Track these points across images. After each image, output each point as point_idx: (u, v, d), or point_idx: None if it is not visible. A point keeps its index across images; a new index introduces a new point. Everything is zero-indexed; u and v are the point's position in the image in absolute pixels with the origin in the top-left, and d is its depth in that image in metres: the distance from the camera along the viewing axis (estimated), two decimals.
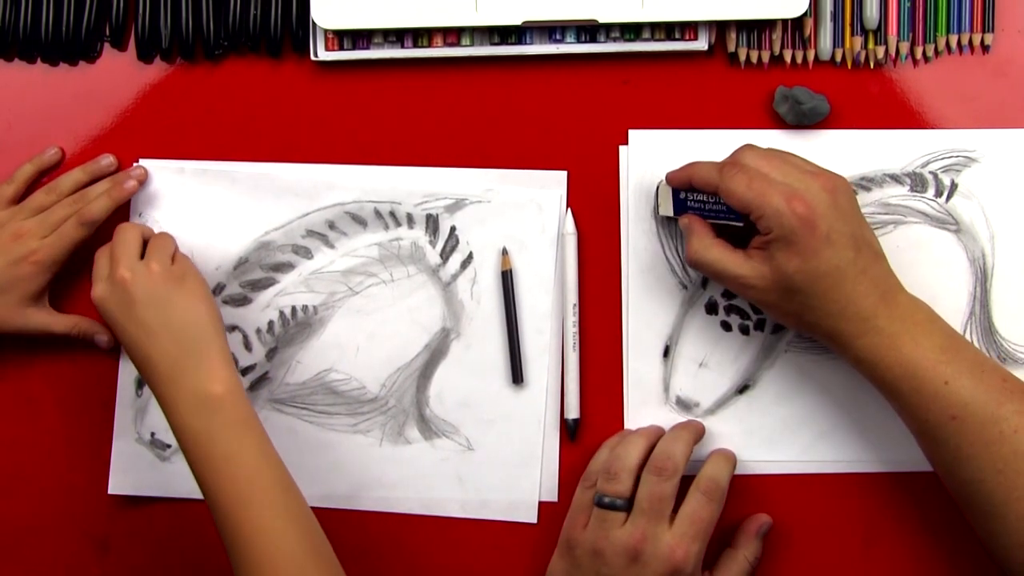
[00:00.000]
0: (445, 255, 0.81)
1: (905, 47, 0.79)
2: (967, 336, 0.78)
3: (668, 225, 0.80)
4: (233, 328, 0.81)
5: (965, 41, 0.79)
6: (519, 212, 0.80)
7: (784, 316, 0.72)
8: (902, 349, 0.69)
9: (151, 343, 0.71)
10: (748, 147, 0.72)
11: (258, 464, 0.70)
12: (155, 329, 0.72)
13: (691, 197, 0.75)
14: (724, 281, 0.73)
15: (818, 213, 0.68)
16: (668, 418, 0.80)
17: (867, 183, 0.79)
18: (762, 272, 0.70)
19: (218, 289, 0.81)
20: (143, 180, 0.80)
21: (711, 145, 0.79)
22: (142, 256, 0.75)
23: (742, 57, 0.79)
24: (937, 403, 0.68)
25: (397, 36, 0.80)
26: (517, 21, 0.78)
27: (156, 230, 0.80)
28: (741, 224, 0.73)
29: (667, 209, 0.77)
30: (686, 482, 0.74)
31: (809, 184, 0.69)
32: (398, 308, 0.81)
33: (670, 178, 0.76)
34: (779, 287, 0.70)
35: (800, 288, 0.69)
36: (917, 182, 0.79)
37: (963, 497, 0.70)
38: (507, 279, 0.80)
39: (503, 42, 0.80)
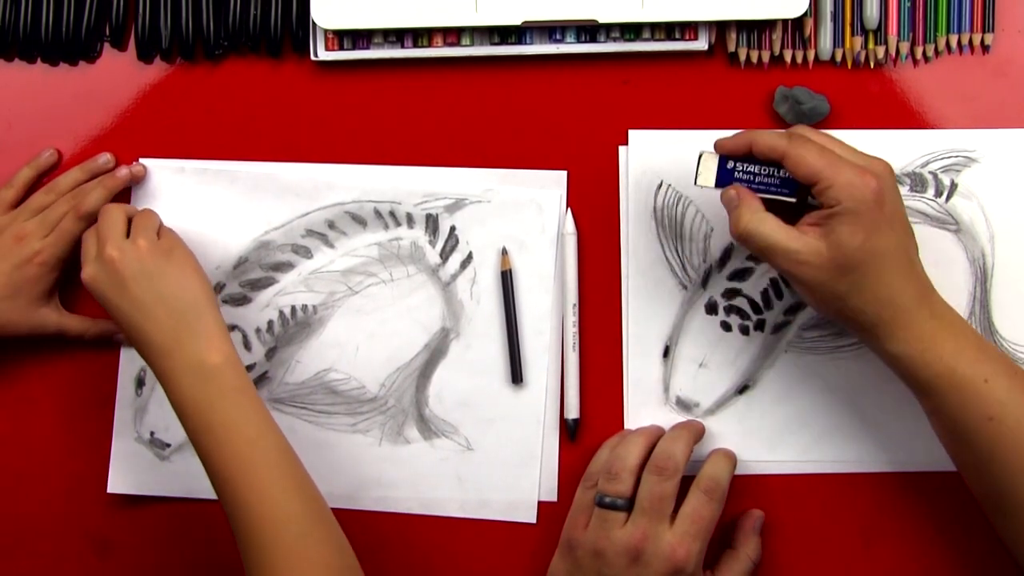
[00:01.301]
0: (445, 255, 0.81)
1: (905, 47, 0.79)
2: None
3: (668, 225, 0.80)
4: (233, 327, 0.81)
5: (965, 41, 0.79)
6: (519, 212, 0.80)
7: (828, 299, 0.69)
8: (944, 345, 0.68)
9: (145, 318, 0.71)
10: (806, 127, 0.71)
11: (258, 430, 0.70)
12: (148, 304, 0.72)
13: (740, 168, 0.72)
14: (774, 256, 0.69)
15: (886, 190, 0.67)
16: (668, 418, 0.80)
17: None
18: (818, 248, 0.67)
19: (218, 288, 0.81)
20: (139, 175, 0.80)
21: (711, 146, 0.79)
22: (128, 235, 0.75)
23: (742, 57, 0.79)
24: (976, 402, 0.67)
25: (397, 36, 0.80)
26: (517, 21, 0.78)
27: None
28: (794, 199, 0.71)
29: (708, 179, 0.73)
30: (686, 482, 0.74)
31: (874, 163, 0.68)
32: (398, 308, 0.81)
33: (721, 145, 0.72)
34: (834, 264, 0.67)
35: (857, 265, 0.67)
36: (917, 182, 0.79)
37: (991, 500, 0.69)
38: (507, 279, 0.80)
39: (503, 42, 0.80)
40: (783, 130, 0.71)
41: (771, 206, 0.71)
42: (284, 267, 0.81)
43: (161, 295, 0.72)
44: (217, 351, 0.71)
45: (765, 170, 0.71)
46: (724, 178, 0.72)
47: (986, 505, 0.70)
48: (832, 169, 0.67)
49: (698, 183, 0.73)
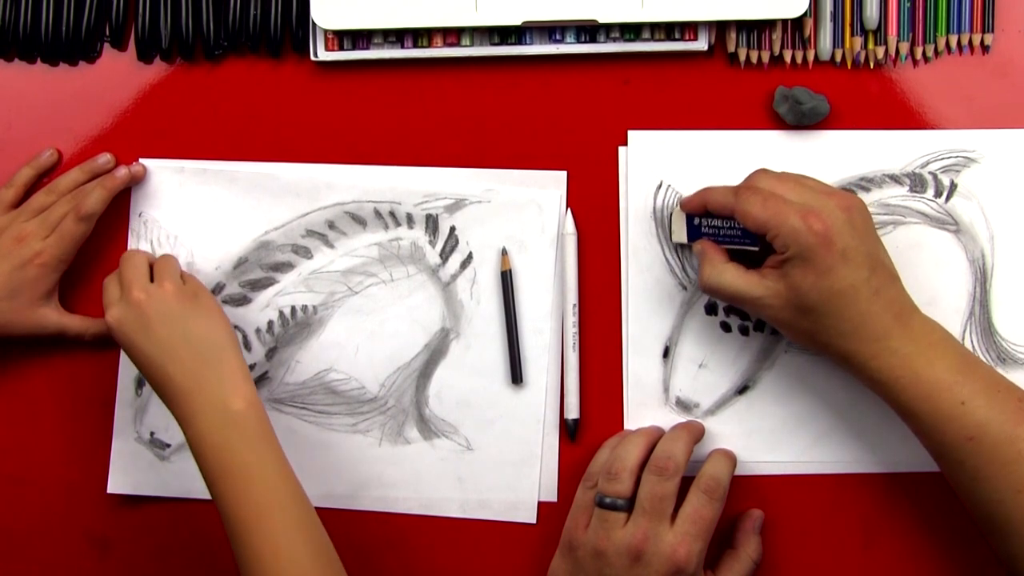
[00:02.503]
0: (445, 255, 0.81)
1: (905, 47, 0.79)
2: (967, 337, 0.78)
3: (668, 226, 0.80)
4: (233, 328, 0.80)
5: (965, 41, 0.79)
6: (519, 212, 0.80)
7: (799, 335, 0.72)
8: (917, 370, 0.69)
9: (170, 359, 0.71)
10: (762, 171, 0.73)
11: (276, 479, 0.70)
12: (174, 346, 0.72)
13: (705, 223, 0.75)
14: (740, 303, 0.73)
15: (834, 230, 0.68)
16: (668, 419, 0.80)
17: (867, 184, 0.79)
18: (776, 290, 0.70)
19: (218, 289, 0.81)
20: (139, 175, 0.80)
21: (710, 146, 0.79)
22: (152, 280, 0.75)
23: (742, 57, 0.79)
24: (953, 424, 0.68)
25: (397, 36, 0.80)
26: (517, 21, 0.78)
27: (155, 229, 0.81)
28: (756, 248, 0.73)
29: (680, 236, 0.77)
30: (686, 483, 0.74)
31: (825, 203, 0.69)
32: (398, 308, 0.81)
33: (684, 204, 0.76)
34: (793, 305, 0.70)
35: (814, 306, 0.69)
36: (916, 182, 0.79)
37: (982, 518, 0.70)
38: (507, 279, 0.80)
39: (503, 42, 0.80)
40: (734, 185, 0.73)
41: (741, 253, 0.74)
42: (284, 267, 0.81)
43: (187, 337, 0.72)
44: (241, 396, 0.71)
45: (726, 223, 0.74)
46: (693, 233, 0.76)
47: (978, 522, 0.70)
48: (777, 219, 0.69)
49: (673, 240, 0.78)
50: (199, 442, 0.70)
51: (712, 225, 0.75)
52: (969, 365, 0.70)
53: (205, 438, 0.70)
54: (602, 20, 0.78)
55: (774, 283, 0.70)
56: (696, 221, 0.76)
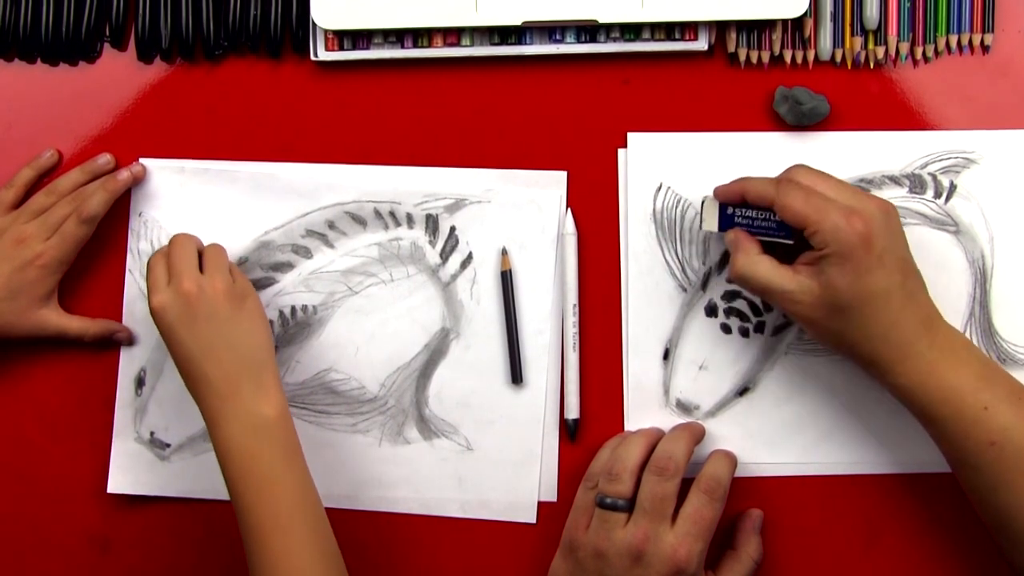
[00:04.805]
0: (445, 255, 0.81)
1: (905, 47, 0.79)
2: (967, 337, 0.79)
3: (667, 228, 0.80)
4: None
5: (965, 41, 0.79)
6: (519, 212, 0.80)
7: (826, 335, 0.71)
8: (942, 375, 0.69)
9: (210, 360, 0.71)
10: (801, 166, 0.72)
11: (299, 492, 0.71)
12: (216, 346, 0.71)
13: (739, 213, 0.74)
14: (770, 296, 0.72)
15: (875, 232, 0.68)
16: (668, 421, 0.80)
17: (866, 185, 0.79)
18: (810, 288, 0.70)
19: None
20: (140, 176, 0.80)
21: (710, 148, 0.79)
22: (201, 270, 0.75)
23: (742, 57, 0.79)
24: (976, 429, 0.68)
25: (397, 36, 0.80)
26: (517, 21, 0.78)
27: (155, 229, 0.81)
28: (791, 241, 0.73)
29: (712, 224, 0.76)
30: (687, 484, 0.74)
31: (866, 204, 0.69)
32: (398, 308, 0.81)
33: (719, 192, 0.75)
34: (826, 304, 0.69)
35: (847, 306, 0.69)
36: (916, 183, 0.79)
37: (1000, 525, 0.70)
38: (507, 279, 0.80)
39: (503, 42, 0.80)
40: (774, 177, 0.72)
41: (771, 246, 0.73)
42: (284, 267, 0.81)
43: (230, 340, 0.72)
44: (274, 405, 0.71)
45: (762, 214, 0.74)
46: (725, 222, 0.75)
47: (994, 531, 0.70)
48: (819, 214, 0.68)
49: (703, 228, 0.76)
50: (226, 446, 0.70)
51: (746, 216, 0.74)
52: (992, 372, 0.70)
53: (233, 443, 0.70)
54: (602, 20, 0.78)
55: (808, 279, 0.70)
56: (729, 211, 0.75)
